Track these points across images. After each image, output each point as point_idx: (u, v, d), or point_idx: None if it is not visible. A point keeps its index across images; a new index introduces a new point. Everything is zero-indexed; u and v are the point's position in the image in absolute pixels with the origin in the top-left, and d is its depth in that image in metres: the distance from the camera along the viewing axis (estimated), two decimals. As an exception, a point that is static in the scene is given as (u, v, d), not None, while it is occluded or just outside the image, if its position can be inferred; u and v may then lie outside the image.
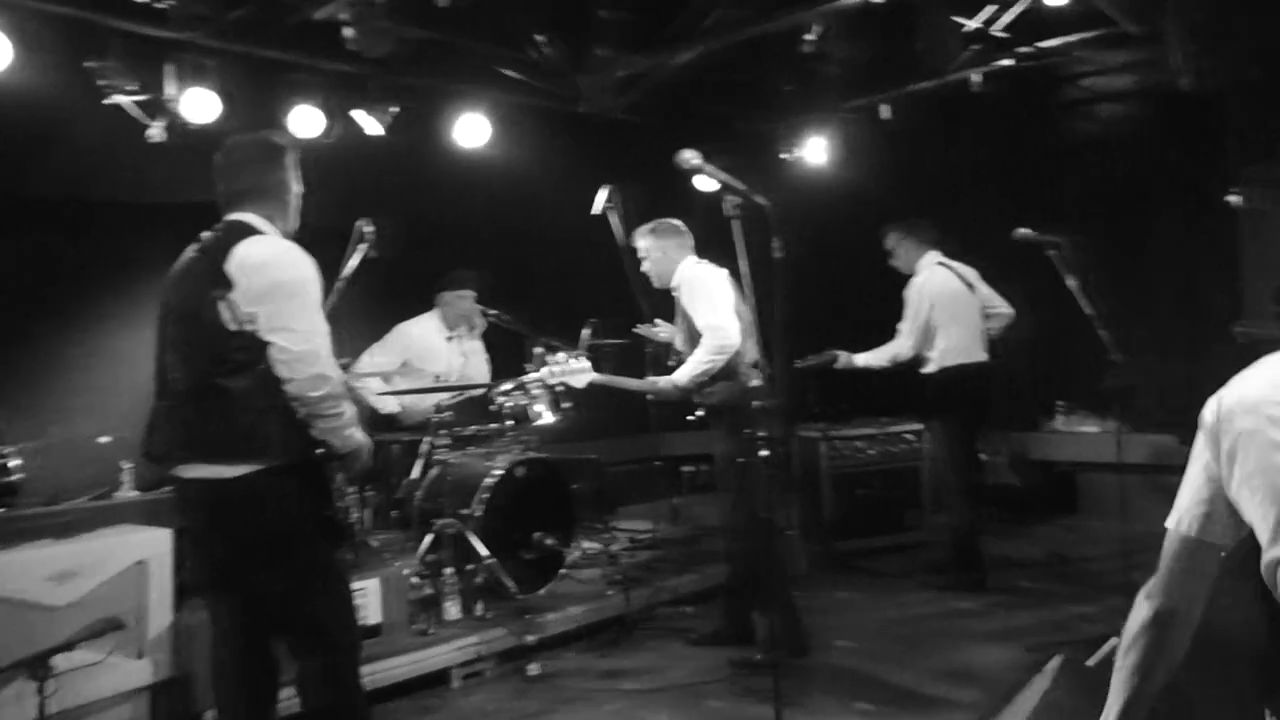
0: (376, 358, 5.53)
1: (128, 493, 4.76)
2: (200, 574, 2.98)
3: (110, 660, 3.23)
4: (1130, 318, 4.91)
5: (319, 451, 2.71)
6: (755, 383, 4.40)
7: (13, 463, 4.12)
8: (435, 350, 5.73)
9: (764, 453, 2.96)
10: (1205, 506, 1.72)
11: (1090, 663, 3.01)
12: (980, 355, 5.57)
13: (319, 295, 2.75)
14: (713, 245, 4.69)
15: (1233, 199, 5.31)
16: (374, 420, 5.47)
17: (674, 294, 4.59)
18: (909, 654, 4.51)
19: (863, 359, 5.62)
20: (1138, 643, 1.81)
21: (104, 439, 4.85)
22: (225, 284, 2.60)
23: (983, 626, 4.88)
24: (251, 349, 2.61)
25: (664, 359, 5.26)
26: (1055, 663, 2.86)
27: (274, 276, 2.64)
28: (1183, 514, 1.76)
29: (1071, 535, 6.76)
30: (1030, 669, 4.03)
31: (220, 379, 2.61)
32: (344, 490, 2.88)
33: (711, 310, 4.32)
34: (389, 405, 5.47)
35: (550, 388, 4.90)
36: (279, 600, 2.77)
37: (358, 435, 2.82)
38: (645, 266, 4.64)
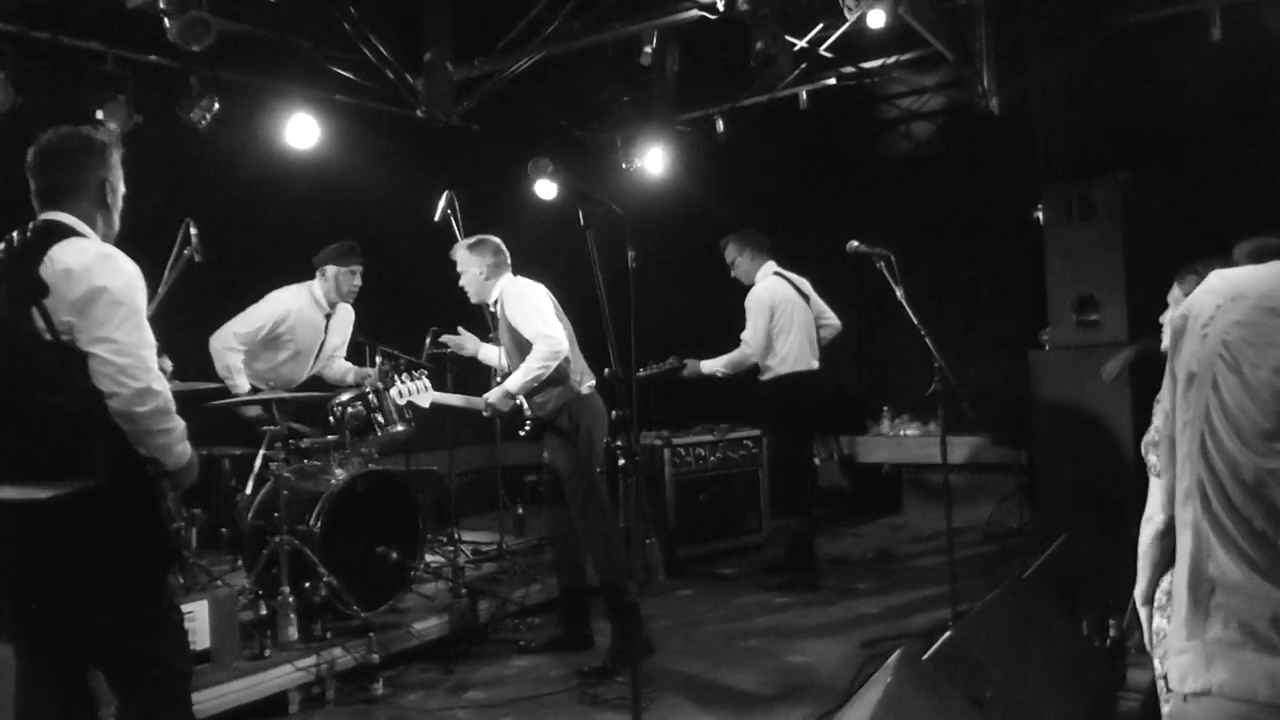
0: (240, 328, 5.17)
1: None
2: (2, 607, 2.71)
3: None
4: (949, 326, 5.21)
5: (147, 469, 2.52)
6: (587, 388, 4.54)
7: None
8: (312, 324, 5.39)
9: (622, 462, 2.96)
10: None
11: (927, 656, 3.14)
12: (814, 364, 5.79)
13: (144, 303, 2.53)
14: (558, 253, 4.69)
15: (1037, 214, 5.71)
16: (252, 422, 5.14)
17: (493, 310, 4.67)
18: (751, 656, 4.62)
19: (707, 366, 5.74)
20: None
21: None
22: (40, 290, 2.36)
23: (819, 625, 5.06)
24: (69, 361, 2.38)
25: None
26: (895, 657, 2.97)
27: (94, 283, 2.41)
28: None
29: (897, 534, 7.12)
30: (868, 664, 4.22)
31: (33, 393, 2.39)
32: (175, 511, 2.67)
33: (540, 319, 4.43)
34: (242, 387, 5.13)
35: (399, 406, 4.85)
36: (98, 633, 2.55)
37: (188, 450, 2.65)
38: (462, 281, 4.69)
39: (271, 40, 5.88)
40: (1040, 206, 5.72)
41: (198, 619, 3.89)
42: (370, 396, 4.87)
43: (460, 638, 4.82)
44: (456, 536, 5.75)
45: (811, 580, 5.70)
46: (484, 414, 4.57)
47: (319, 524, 4.45)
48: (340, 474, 4.70)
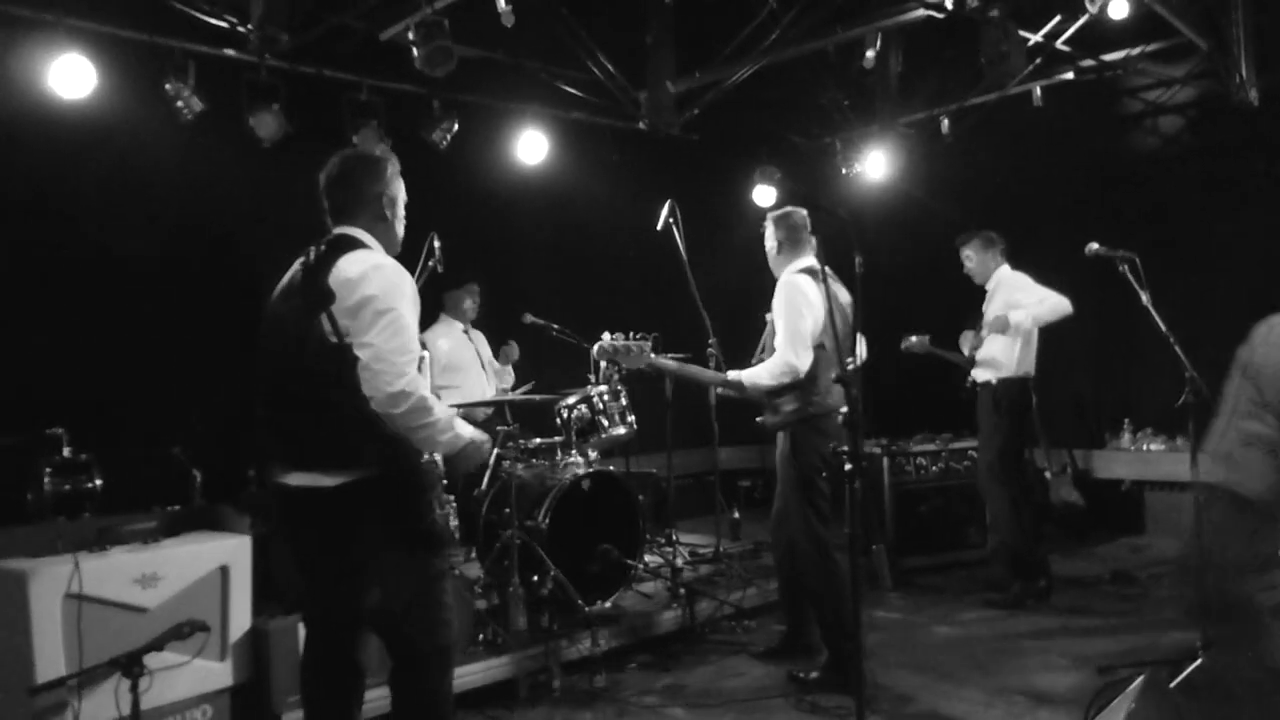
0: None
1: (199, 500, 4.90)
2: (295, 578, 3.02)
3: (196, 662, 3.30)
4: (1202, 334, 4.82)
5: (414, 461, 2.75)
6: (832, 398, 4.24)
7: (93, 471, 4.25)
8: (461, 345, 5.85)
9: (849, 467, 2.92)
10: None
11: (1174, 684, 2.94)
12: (1032, 371, 5.57)
13: (411, 311, 2.72)
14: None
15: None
16: None
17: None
18: (974, 673, 4.45)
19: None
20: None
21: (176, 449, 4.97)
22: (327, 298, 2.62)
23: (1047, 646, 4.79)
24: (349, 362, 2.61)
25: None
26: (1139, 684, 2.80)
27: (365, 291, 2.62)
28: None
29: (1137, 555, 6.64)
30: (1105, 690, 3.98)
31: (321, 390, 2.64)
32: (443, 499, 2.88)
33: (791, 333, 4.20)
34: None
35: (615, 393, 4.99)
36: (366, 608, 2.80)
37: (461, 434, 2.82)
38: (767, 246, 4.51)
39: (505, 63, 6.23)
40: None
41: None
42: (595, 400, 5.07)
43: (678, 637, 4.93)
44: (674, 537, 5.86)
45: (1041, 591, 5.43)
46: (719, 390, 4.49)
47: (546, 520, 4.67)
48: (566, 473, 4.91)
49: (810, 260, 4.36)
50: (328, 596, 2.85)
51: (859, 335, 4.38)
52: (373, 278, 2.66)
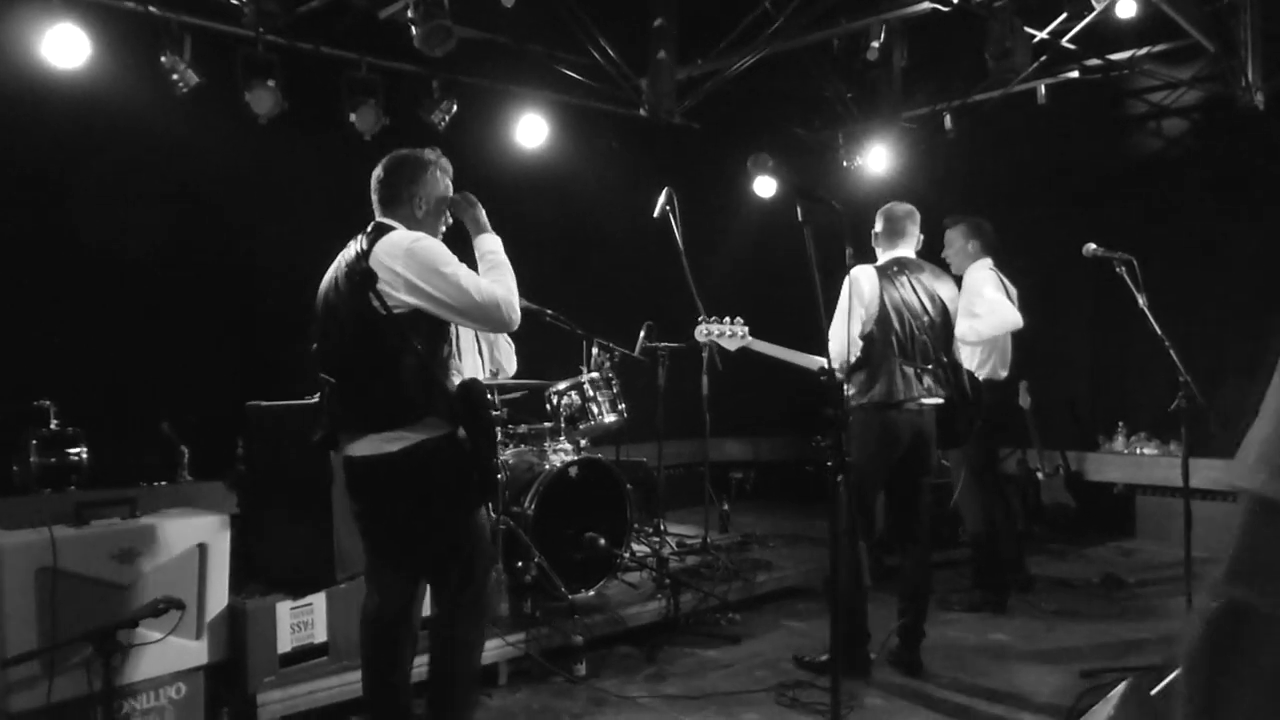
0: None
1: (186, 476, 4.89)
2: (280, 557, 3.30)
3: (170, 639, 3.27)
4: (1197, 339, 4.79)
5: (488, 411, 2.98)
6: (879, 389, 4.26)
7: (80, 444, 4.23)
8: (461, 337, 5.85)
9: (829, 463, 2.90)
10: None
11: (1155, 691, 2.91)
12: (1003, 373, 5.53)
13: (448, 254, 2.92)
14: (776, 250, 4.65)
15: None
16: None
17: None
18: (959, 674, 4.43)
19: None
20: None
21: (165, 424, 4.95)
22: (371, 278, 2.87)
23: (1035, 649, 4.78)
24: (405, 330, 2.86)
25: (717, 362, 5.29)
26: (1122, 688, 2.77)
27: (411, 260, 2.86)
28: None
29: (1128, 559, 6.62)
30: (1086, 694, 3.96)
31: (387, 360, 2.88)
32: (498, 452, 3.14)
33: (834, 328, 4.15)
34: None
35: (606, 381, 4.96)
36: (421, 552, 3.07)
37: (498, 258, 3.10)
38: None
39: (506, 45, 6.18)
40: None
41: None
42: (586, 387, 5.03)
43: (662, 627, 4.90)
44: (662, 528, 5.84)
45: (998, 604, 5.39)
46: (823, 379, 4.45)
47: (532, 507, 4.64)
48: (554, 460, 4.88)
49: (902, 252, 4.47)
50: (396, 556, 3.09)
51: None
52: (412, 246, 2.90)
